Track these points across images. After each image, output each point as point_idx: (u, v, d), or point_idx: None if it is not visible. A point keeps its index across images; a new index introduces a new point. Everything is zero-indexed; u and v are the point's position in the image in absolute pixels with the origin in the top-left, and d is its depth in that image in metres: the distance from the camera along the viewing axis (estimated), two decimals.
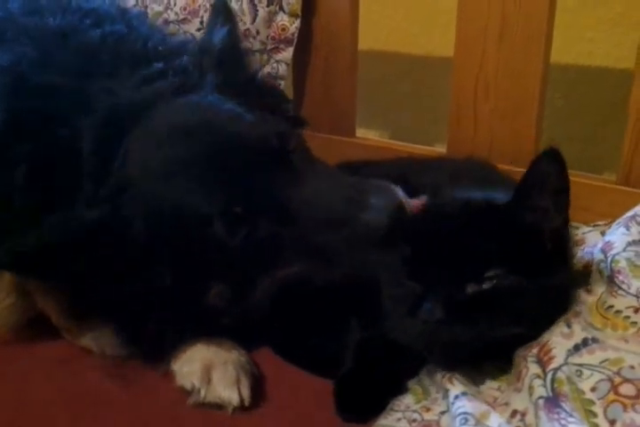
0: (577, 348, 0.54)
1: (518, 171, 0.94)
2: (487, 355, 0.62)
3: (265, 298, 0.74)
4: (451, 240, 0.62)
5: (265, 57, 1.22)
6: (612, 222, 0.72)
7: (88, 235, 0.68)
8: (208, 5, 1.21)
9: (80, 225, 0.69)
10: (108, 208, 0.70)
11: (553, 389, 0.51)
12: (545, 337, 0.58)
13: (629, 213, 0.69)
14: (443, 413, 0.58)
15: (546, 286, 0.61)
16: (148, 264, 0.70)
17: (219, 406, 0.69)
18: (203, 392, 0.70)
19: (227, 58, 0.84)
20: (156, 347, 0.75)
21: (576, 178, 0.94)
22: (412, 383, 0.65)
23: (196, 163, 0.70)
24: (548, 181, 0.62)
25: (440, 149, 1.15)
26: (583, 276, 0.66)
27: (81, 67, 0.78)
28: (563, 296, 0.63)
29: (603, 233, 0.74)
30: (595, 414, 0.48)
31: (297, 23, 1.19)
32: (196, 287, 0.72)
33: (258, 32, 1.20)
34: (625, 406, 0.48)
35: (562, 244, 0.64)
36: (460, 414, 0.54)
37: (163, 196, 0.70)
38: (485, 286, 0.59)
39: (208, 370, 0.72)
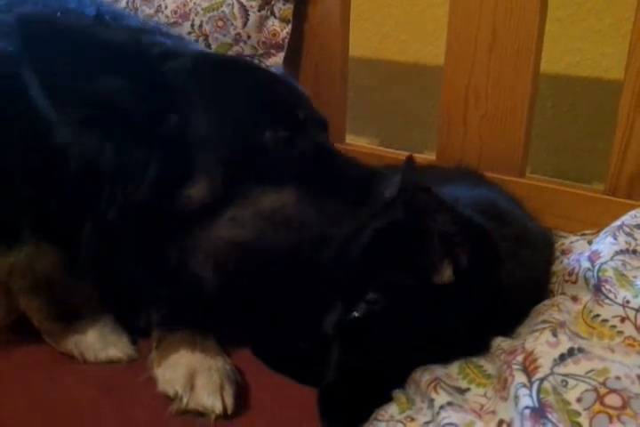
0: (562, 357, 0.53)
1: (507, 179, 0.94)
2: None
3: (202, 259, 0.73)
4: (352, 262, 0.63)
5: (256, 62, 1.22)
6: (599, 232, 0.72)
7: None
8: (199, 9, 1.21)
9: None
10: None
11: (539, 399, 0.50)
12: (530, 345, 0.57)
13: (617, 223, 0.69)
14: (427, 423, 0.57)
15: (438, 314, 0.60)
16: None
17: (201, 414, 0.68)
18: (185, 399, 0.68)
19: None
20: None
21: (564, 187, 0.95)
22: (396, 392, 0.64)
23: None
24: (430, 211, 0.58)
25: (429, 156, 1.15)
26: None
27: None
28: (468, 323, 0.61)
29: (590, 242, 0.74)
30: (580, 426, 0.48)
31: (288, 28, 1.19)
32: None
33: (249, 36, 1.20)
34: (611, 418, 0.47)
35: (470, 278, 0.60)
36: (445, 424, 0.53)
37: None
38: (369, 309, 0.60)
39: (192, 376, 0.70)
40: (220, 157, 0.72)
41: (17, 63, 0.72)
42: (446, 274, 0.59)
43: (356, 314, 0.61)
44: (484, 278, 0.61)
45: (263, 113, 0.74)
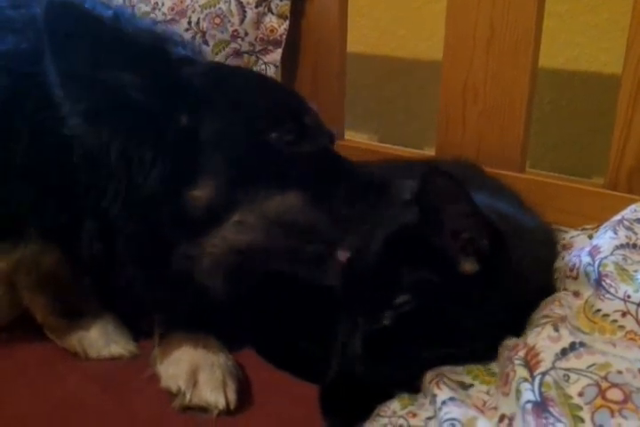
0: (564, 352, 0.53)
1: (506, 174, 0.94)
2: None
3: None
4: (368, 273, 0.62)
5: (253, 58, 1.22)
6: (599, 226, 0.72)
7: None
8: (196, 6, 1.21)
9: None
10: None
11: (541, 393, 0.51)
12: (532, 340, 0.57)
13: (617, 217, 0.69)
14: (429, 418, 0.57)
15: (469, 306, 0.59)
16: None
17: (204, 410, 0.68)
18: (188, 395, 0.69)
19: None
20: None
21: (564, 182, 0.95)
22: None
23: None
24: (443, 201, 0.58)
25: (429, 152, 1.16)
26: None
27: None
28: (497, 314, 0.61)
29: (590, 237, 0.74)
30: (582, 420, 0.48)
31: (285, 25, 1.19)
32: None
33: (246, 33, 1.19)
34: (612, 412, 0.47)
35: (493, 266, 0.61)
36: (446, 420, 0.53)
37: None
38: (400, 312, 0.59)
39: (195, 372, 0.71)
40: (227, 158, 0.73)
41: (29, 61, 0.73)
42: (470, 263, 0.60)
43: (385, 322, 0.60)
44: (507, 265, 0.61)
45: (270, 116, 0.75)
